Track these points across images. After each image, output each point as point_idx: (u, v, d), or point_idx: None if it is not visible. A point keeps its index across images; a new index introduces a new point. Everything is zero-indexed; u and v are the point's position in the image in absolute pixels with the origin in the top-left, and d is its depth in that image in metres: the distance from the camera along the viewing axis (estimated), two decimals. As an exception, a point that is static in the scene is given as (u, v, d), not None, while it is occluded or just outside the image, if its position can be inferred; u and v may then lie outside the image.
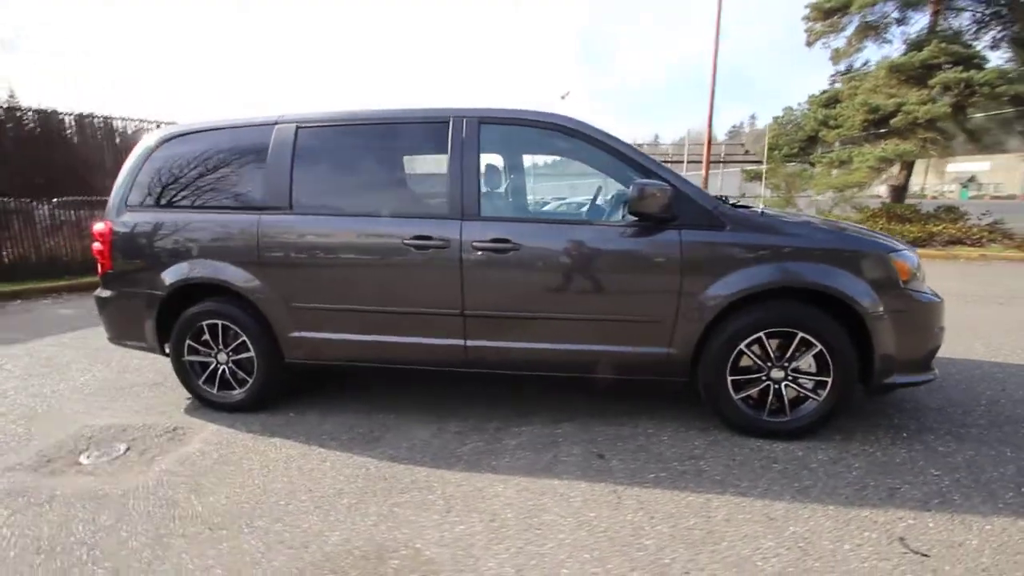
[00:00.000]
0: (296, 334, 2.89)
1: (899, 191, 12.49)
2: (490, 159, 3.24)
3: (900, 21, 14.18)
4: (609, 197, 3.21)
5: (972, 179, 45.55)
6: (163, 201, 3.05)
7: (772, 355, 2.50)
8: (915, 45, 10.91)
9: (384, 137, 2.86)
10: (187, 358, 3.06)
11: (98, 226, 3.13)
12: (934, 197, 34.35)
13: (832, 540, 1.85)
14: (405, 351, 2.82)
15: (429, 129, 2.79)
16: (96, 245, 3.14)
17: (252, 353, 2.96)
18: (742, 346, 2.49)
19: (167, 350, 3.14)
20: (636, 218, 2.49)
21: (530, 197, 3.87)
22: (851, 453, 2.44)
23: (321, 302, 2.83)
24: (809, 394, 2.52)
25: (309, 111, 2.93)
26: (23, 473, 2.44)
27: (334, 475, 2.37)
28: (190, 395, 3.18)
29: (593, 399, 3.10)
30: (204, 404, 3.12)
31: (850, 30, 14.40)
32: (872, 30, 14.38)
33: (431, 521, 2.01)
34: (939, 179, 43.85)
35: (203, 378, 3.08)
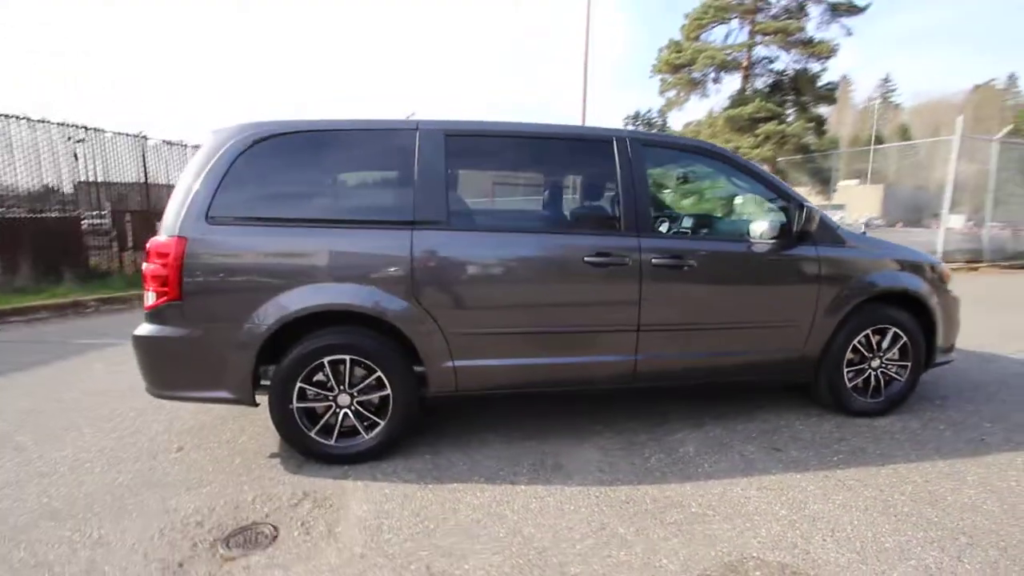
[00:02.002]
0: (450, 363, 2.58)
1: (726, 216, 15.54)
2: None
3: (716, 80, 17.77)
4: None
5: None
6: (266, 213, 2.46)
7: (874, 348, 3.08)
8: (741, 101, 13.74)
9: (543, 152, 2.76)
10: (296, 405, 2.49)
11: (159, 241, 2.38)
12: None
13: (999, 480, 2.41)
14: (573, 372, 2.73)
15: (591, 147, 2.78)
16: (152, 267, 2.38)
17: (388, 390, 2.55)
18: (855, 342, 3.02)
19: (255, 399, 2.52)
20: (777, 236, 2.85)
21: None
22: (928, 419, 3.11)
23: (487, 326, 2.58)
24: (895, 377, 3.15)
25: (448, 119, 2.67)
26: (166, 585, 1.76)
27: (571, 508, 2.21)
28: (296, 451, 2.58)
29: (689, 402, 3.33)
30: (314, 459, 2.56)
31: (680, 85, 17.51)
32: (696, 85, 17.67)
33: (727, 532, 2.04)
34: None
35: (316, 428, 2.53)
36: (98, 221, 9.27)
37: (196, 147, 10.91)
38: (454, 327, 2.55)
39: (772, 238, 2.85)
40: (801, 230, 2.77)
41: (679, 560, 1.87)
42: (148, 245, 2.40)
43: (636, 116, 65.18)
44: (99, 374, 4.12)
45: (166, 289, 2.37)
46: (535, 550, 1.94)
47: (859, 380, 3.11)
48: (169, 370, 2.47)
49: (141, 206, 9.85)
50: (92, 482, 2.44)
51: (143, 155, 9.79)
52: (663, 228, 3.93)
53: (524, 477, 2.48)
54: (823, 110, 19.32)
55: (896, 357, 3.13)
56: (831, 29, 19.55)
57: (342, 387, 2.53)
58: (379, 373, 2.53)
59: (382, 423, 2.57)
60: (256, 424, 3.06)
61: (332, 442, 2.55)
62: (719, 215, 3.88)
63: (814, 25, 19.36)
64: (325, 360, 2.48)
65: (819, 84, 15.20)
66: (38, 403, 3.43)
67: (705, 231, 3.53)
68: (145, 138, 9.79)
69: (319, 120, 2.58)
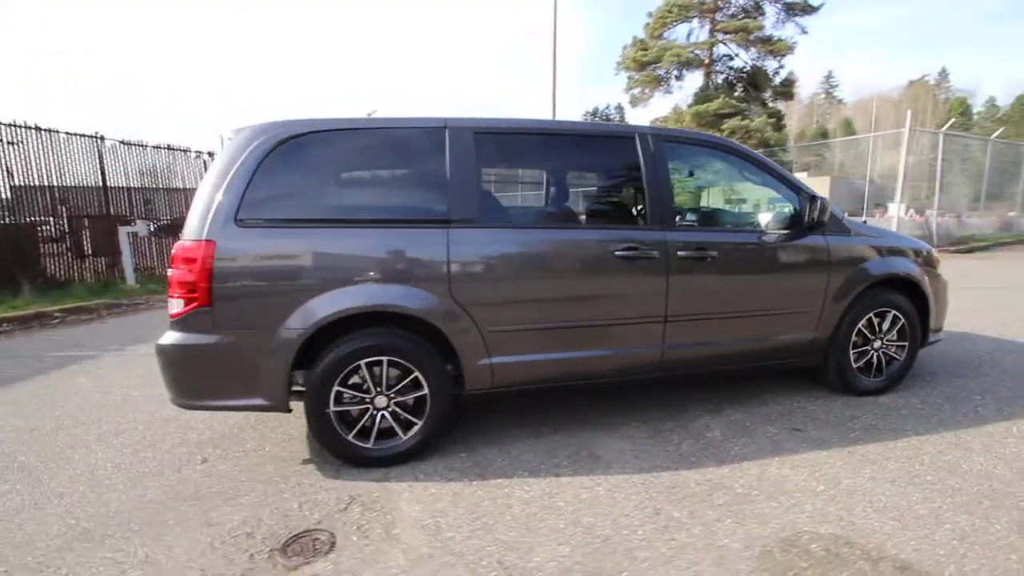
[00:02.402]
0: (486, 361, 2.58)
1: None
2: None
3: (679, 77, 18.22)
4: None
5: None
6: (297, 214, 2.39)
7: (876, 330, 3.26)
8: (705, 98, 14.17)
9: (568, 149, 2.79)
10: (333, 409, 2.44)
11: (184, 245, 2.28)
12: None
13: (1001, 447, 2.60)
14: (604, 364, 2.78)
15: (614, 143, 2.83)
16: (179, 273, 2.28)
17: (425, 390, 2.53)
18: (860, 325, 3.19)
19: (289, 405, 2.45)
20: (789, 227, 2.98)
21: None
22: (925, 395, 3.32)
23: (522, 322, 2.60)
24: (894, 357, 3.35)
25: (471, 117, 2.66)
26: (234, 599, 1.70)
27: (622, 497, 2.26)
28: (332, 456, 2.53)
29: (702, 389, 3.44)
30: (351, 463, 2.52)
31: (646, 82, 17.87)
32: (660, 82, 18.07)
33: (774, 509, 2.13)
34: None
35: (353, 432, 2.49)
36: (54, 227, 8.71)
37: (157, 147, 10.47)
38: (490, 324, 2.55)
39: (785, 229, 2.98)
40: (813, 221, 2.91)
41: (739, 539, 1.95)
42: (173, 250, 2.30)
43: (595, 113, 66.05)
44: (86, 388, 3.90)
45: (195, 295, 2.28)
46: (599, 538, 1.98)
47: (862, 361, 3.29)
48: (199, 379, 2.38)
49: (100, 211, 9.33)
50: (118, 500, 2.32)
51: (100, 157, 9.26)
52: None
53: (566, 469, 2.52)
54: (779, 105, 20.41)
55: (895, 338, 3.33)
56: (787, 28, 20.66)
57: (379, 389, 2.49)
58: (416, 373, 2.50)
59: (419, 423, 2.55)
60: (277, 431, 2.98)
61: (370, 445, 2.51)
62: (727, 208, 3.99)
63: (770, 24, 20.42)
64: (362, 362, 2.44)
65: (777, 81, 15.95)
66: (32, 421, 3.22)
67: (714, 223, 3.64)
68: (102, 138, 9.26)
69: (346, 118, 2.52)
